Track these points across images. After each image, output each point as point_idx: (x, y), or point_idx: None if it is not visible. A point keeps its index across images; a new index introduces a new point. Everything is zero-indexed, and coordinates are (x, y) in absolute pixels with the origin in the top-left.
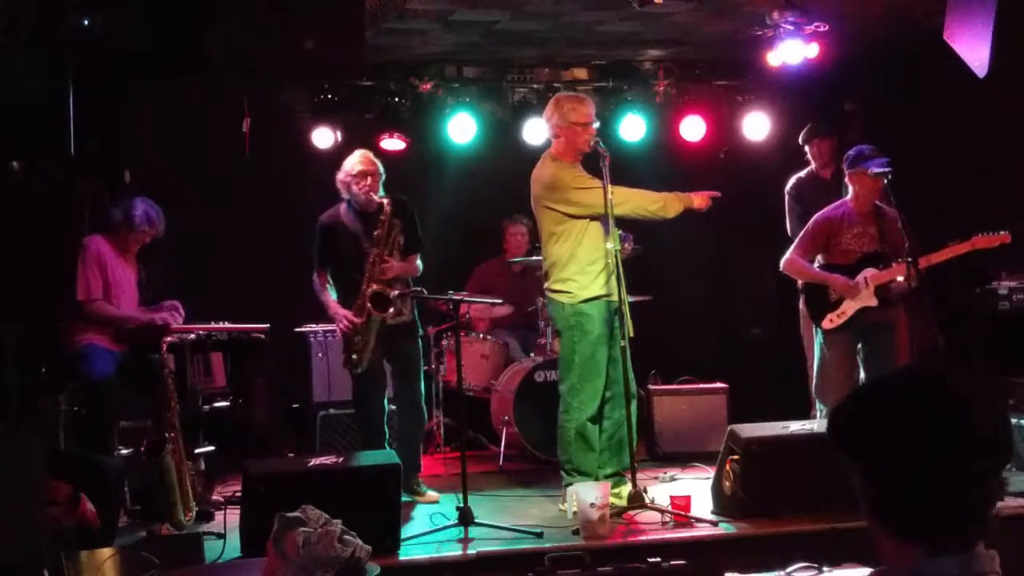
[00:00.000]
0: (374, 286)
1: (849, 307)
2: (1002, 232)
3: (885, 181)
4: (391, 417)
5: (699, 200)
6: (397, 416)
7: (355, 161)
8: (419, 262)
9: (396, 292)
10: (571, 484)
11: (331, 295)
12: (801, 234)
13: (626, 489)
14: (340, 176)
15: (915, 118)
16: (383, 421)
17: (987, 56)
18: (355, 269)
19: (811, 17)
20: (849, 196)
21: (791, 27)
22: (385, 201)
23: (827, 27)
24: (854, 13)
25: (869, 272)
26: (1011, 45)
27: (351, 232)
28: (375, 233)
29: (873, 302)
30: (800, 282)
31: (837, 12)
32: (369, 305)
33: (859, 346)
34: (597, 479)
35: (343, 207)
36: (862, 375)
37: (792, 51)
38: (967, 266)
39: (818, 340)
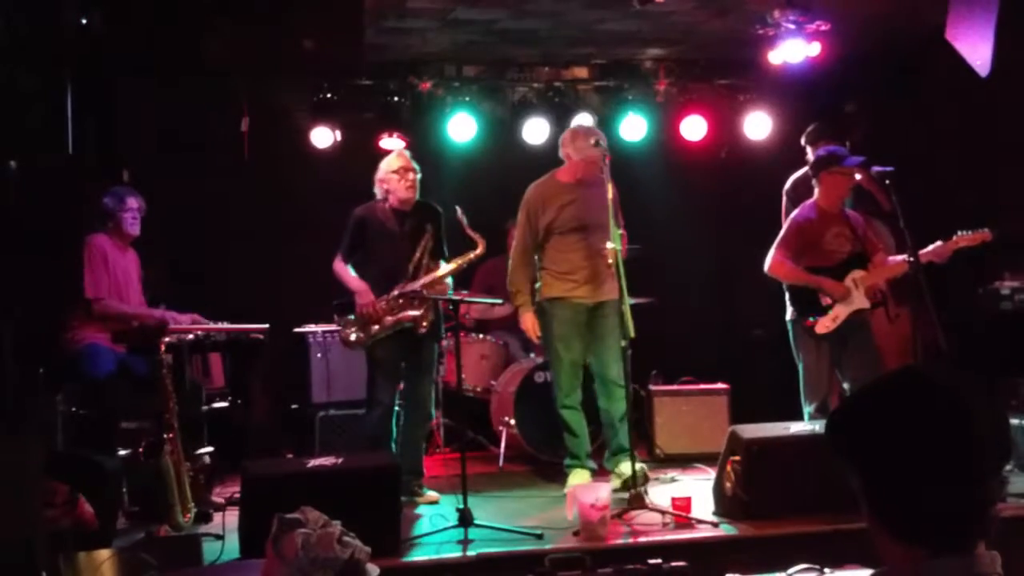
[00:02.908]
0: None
1: (842, 311)
2: (983, 230)
3: (887, 180)
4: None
5: (528, 324)
6: (403, 416)
7: (394, 159)
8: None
9: (396, 292)
10: (570, 464)
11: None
12: (783, 235)
13: (627, 466)
14: (380, 175)
15: (917, 117)
16: (391, 421)
17: (989, 55)
18: (383, 265)
19: (813, 16)
20: (817, 197)
21: (793, 26)
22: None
23: (829, 26)
24: (856, 12)
25: (857, 274)
26: (1013, 44)
27: (387, 229)
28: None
29: (866, 304)
30: (787, 291)
31: (839, 11)
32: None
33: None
34: (587, 459)
35: (380, 204)
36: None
37: (794, 50)
38: (969, 266)
39: (803, 345)
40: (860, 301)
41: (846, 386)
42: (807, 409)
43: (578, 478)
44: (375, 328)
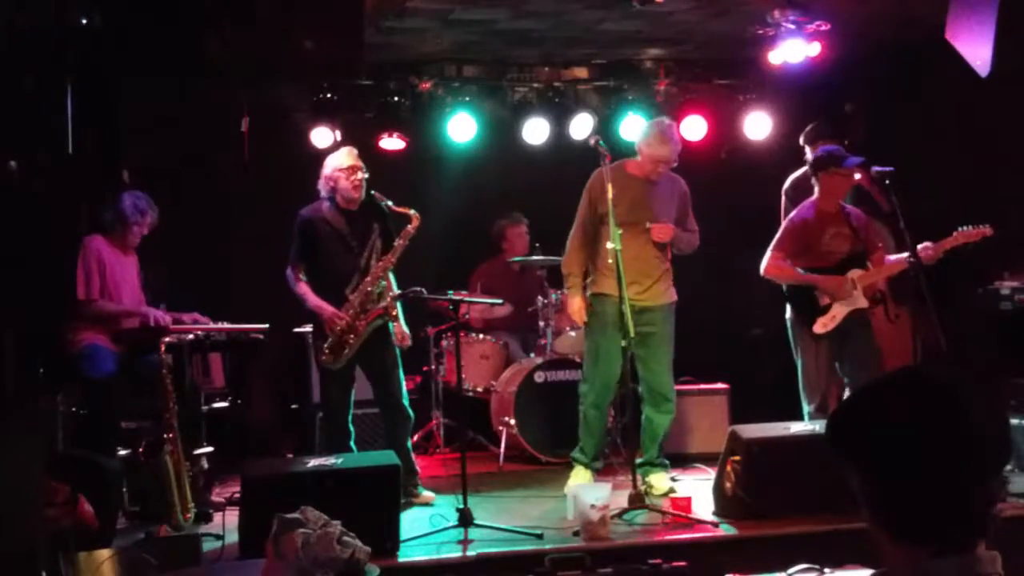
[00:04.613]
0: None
1: (840, 311)
2: (984, 226)
3: (887, 180)
4: (367, 420)
5: (575, 307)
6: (382, 420)
7: (343, 156)
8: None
9: (396, 293)
10: (577, 458)
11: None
12: (779, 237)
13: (657, 479)
14: (326, 172)
15: (917, 117)
16: (348, 421)
17: (989, 55)
18: (335, 267)
19: (812, 16)
20: (816, 197)
21: (792, 26)
22: (389, 203)
23: (828, 26)
24: (856, 12)
25: (855, 273)
26: (1013, 44)
27: (335, 229)
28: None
29: (864, 303)
30: (785, 289)
31: (839, 11)
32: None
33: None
34: (593, 460)
35: (325, 204)
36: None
37: (793, 50)
38: (969, 266)
39: (801, 343)
40: (859, 300)
41: (848, 381)
42: (806, 408)
43: (579, 477)
44: (351, 338)
